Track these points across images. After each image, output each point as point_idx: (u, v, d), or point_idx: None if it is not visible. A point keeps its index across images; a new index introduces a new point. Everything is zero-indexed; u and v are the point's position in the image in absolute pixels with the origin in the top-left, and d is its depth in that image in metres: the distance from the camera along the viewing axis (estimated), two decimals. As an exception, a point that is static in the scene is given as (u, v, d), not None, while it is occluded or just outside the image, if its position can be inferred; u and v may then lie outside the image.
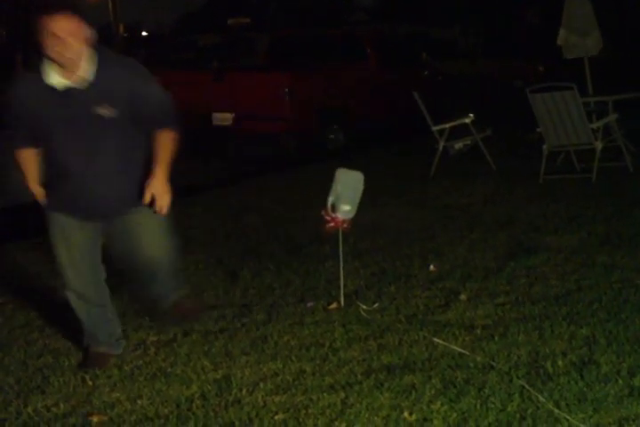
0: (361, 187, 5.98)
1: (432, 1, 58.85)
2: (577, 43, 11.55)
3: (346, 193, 5.93)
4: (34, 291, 6.75)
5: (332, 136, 14.43)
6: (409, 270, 6.74)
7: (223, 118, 14.31)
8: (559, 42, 11.66)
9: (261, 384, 4.70)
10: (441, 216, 8.62)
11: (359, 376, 4.73)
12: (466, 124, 11.36)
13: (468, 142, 11.45)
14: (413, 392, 4.46)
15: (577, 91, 9.90)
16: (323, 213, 5.93)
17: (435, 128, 11.37)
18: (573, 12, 11.51)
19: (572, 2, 11.55)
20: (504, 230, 7.84)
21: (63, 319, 5.86)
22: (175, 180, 4.85)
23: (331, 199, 5.93)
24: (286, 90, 13.63)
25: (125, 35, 65.20)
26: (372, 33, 16.82)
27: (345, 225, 5.93)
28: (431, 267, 6.77)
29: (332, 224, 5.90)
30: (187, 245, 7.81)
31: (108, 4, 57.07)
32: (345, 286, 6.10)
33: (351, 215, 5.94)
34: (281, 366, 4.95)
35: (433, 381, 4.59)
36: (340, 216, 5.89)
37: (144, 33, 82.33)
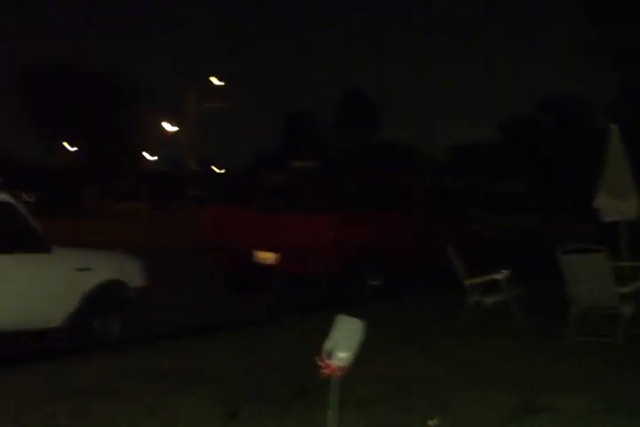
0: (359, 335, 5.98)
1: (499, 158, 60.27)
2: (615, 206, 11.62)
3: (343, 340, 5.95)
4: None
5: (373, 282, 14.52)
6: (408, 424, 6.68)
7: (266, 257, 14.50)
8: (596, 205, 11.76)
9: None
10: (454, 369, 8.57)
11: None
12: (499, 280, 11.39)
13: (500, 298, 11.41)
14: None
15: (607, 254, 9.92)
16: (317, 358, 5.96)
17: (467, 282, 11.41)
18: (612, 174, 11.63)
19: (611, 164, 11.69)
20: (514, 389, 7.74)
21: None
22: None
23: (328, 346, 5.96)
24: (328, 232, 13.85)
25: (197, 169, 67.09)
26: (421, 184, 17.06)
27: (338, 373, 5.93)
28: (431, 422, 6.70)
29: (325, 371, 5.92)
30: (197, 380, 7.93)
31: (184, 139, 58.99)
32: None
33: (346, 363, 5.94)
34: None
35: None
36: (335, 363, 5.90)
37: (220, 170, 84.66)
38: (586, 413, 7.00)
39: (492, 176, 58.09)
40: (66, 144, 69.25)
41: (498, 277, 11.33)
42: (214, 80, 56.82)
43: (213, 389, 7.64)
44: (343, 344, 5.94)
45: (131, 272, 10.68)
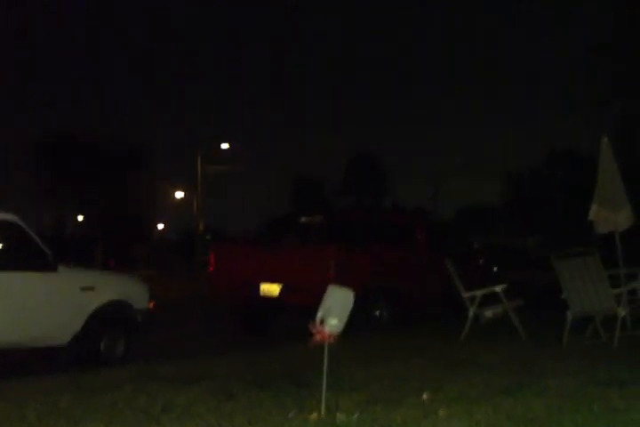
0: (350, 304, 6.22)
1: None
2: (609, 217, 11.79)
3: (335, 308, 6.17)
4: None
5: (376, 313, 14.54)
6: (402, 397, 6.83)
7: (270, 290, 14.61)
8: (591, 217, 11.92)
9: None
10: (452, 367, 8.64)
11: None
12: (498, 293, 11.57)
13: (499, 311, 11.58)
14: None
15: (599, 256, 10.10)
16: (310, 325, 6.16)
17: (465, 295, 11.58)
18: (605, 187, 11.83)
19: (604, 177, 11.90)
20: (510, 375, 7.90)
21: None
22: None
23: (320, 313, 6.17)
24: (331, 262, 13.94)
25: (207, 237, 67.35)
26: (422, 220, 17.26)
27: (330, 339, 6.13)
28: (425, 395, 6.85)
29: (317, 337, 6.11)
30: (196, 380, 8.00)
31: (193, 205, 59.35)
32: (332, 401, 6.21)
33: (338, 330, 6.15)
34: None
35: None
36: (327, 329, 6.10)
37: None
38: (577, 389, 7.15)
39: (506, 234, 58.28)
40: (79, 216, 69.79)
41: (497, 289, 11.50)
42: (222, 145, 57.07)
43: (211, 385, 7.69)
44: (335, 312, 6.15)
45: (136, 294, 10.86)
